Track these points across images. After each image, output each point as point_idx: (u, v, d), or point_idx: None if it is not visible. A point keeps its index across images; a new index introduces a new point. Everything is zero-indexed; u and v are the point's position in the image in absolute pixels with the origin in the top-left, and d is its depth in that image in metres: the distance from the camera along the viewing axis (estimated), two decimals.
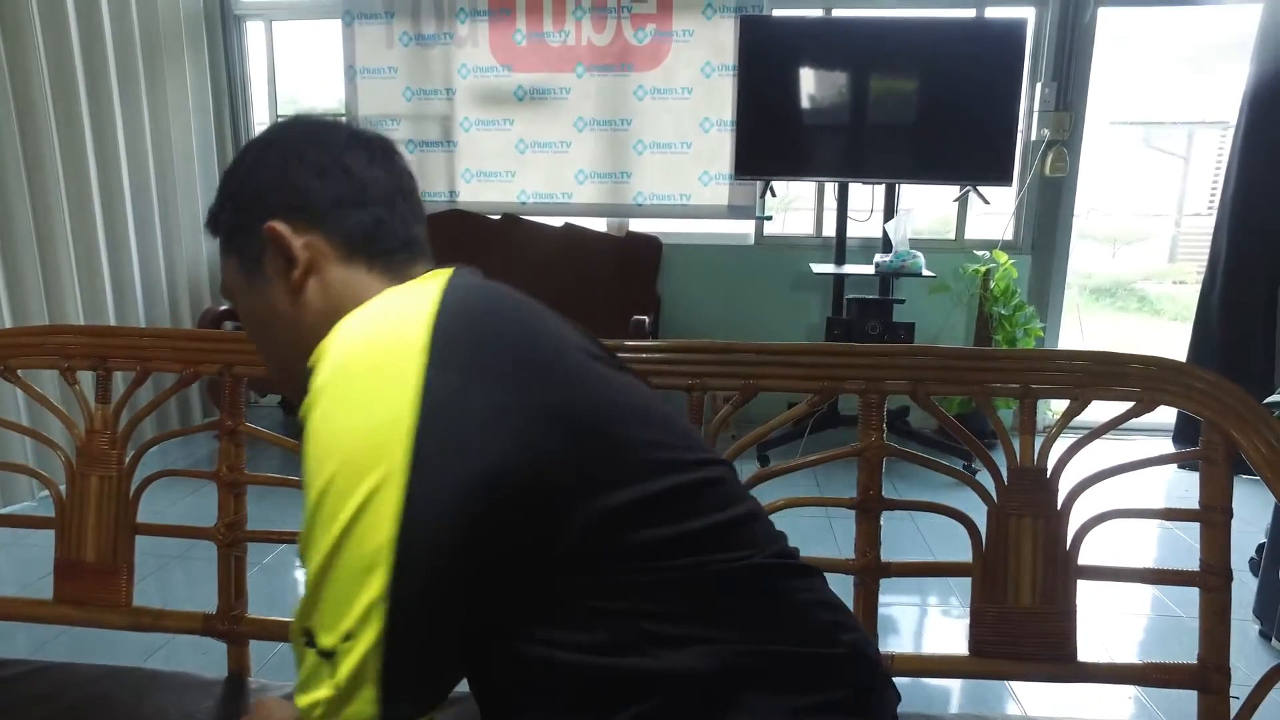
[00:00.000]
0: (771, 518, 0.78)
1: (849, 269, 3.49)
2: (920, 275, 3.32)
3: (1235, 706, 1.06)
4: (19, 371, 1.29)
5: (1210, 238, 3.42)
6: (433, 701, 0.62)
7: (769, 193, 3.60)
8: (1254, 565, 2.30)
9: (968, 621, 1.13)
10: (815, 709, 0.67)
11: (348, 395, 0.59)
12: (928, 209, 4.31)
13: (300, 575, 2.18)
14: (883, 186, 3.48)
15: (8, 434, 2.66)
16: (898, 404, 3.38)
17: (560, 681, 0.64)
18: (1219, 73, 7.10)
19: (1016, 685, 1.88)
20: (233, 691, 1.17)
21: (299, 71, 4.61)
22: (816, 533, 2.67)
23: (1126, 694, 1.89)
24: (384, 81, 3.80)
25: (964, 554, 1.15)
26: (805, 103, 3.38)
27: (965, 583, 1.12)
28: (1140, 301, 7.47)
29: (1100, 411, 1.11)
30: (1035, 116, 3.56)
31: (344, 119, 0.80)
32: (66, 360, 1.27)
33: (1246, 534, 1.98)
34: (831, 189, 3.61)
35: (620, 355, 1.15)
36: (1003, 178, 3.25)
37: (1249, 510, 1.19)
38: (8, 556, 2.50)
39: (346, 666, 0.57)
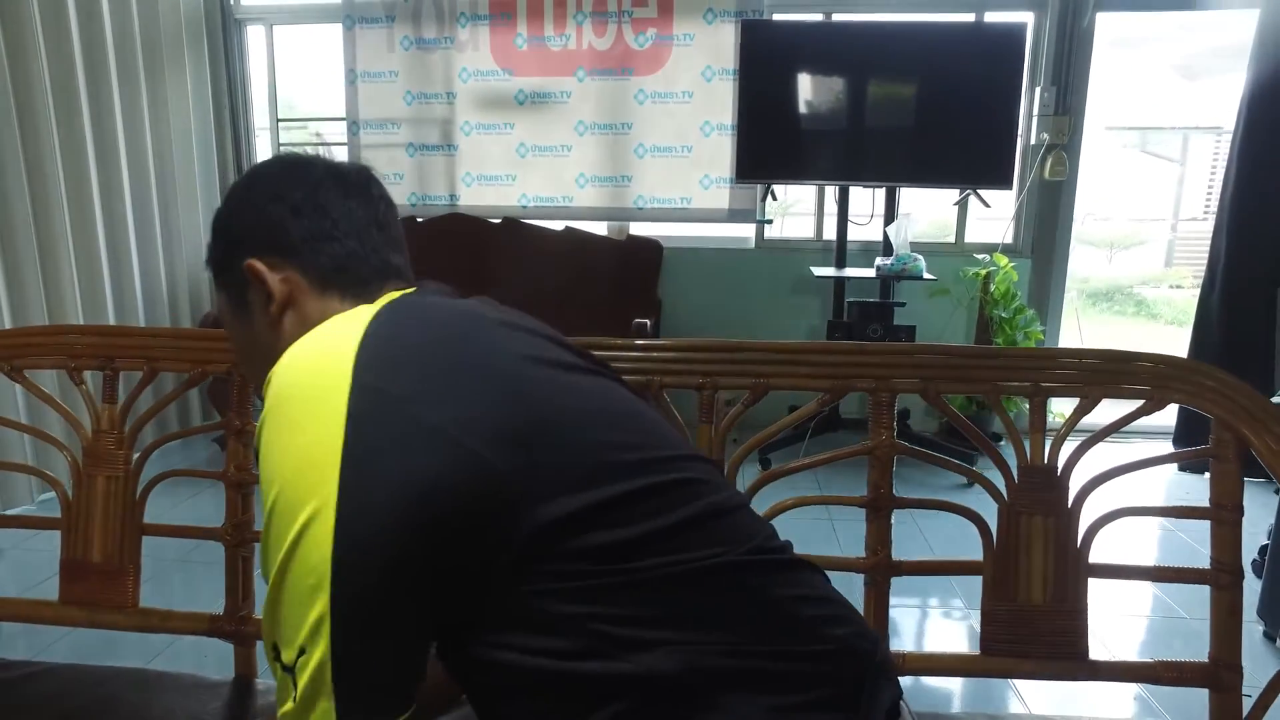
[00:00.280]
0: (777, 519, 0.77)
1: (850, 272, 3.49)
2: (921, 278, 3.32)
3: (1247, 705, 1.06)
4: (25, 372, 1.29)
5: (1208, 241, 3.43)
6: (395, 708, 0.63)
7: (769, 196, 3.60)
8: (1257, 567, 2.30)
9: (975, 621, 1.13)
10: (797, 707, 0.66)
11: (285, 421, 0.63)
12: (928, 212, 4.32)
13: None
14: (883, 190, 3.49)
15: (7, 436, 2.66)
16: (897, 406, 3.37)
17: (532, 684, 0.65)
18: (1214, 78, 7.13)
19: (1021, 684, 1.87)
20: (240, 693, 1.17)
21: (299, 75, 4.62)
22: (818, 534, 2.67)
23: (1130, 693, 1.89)
24: (384, 85, 3.80)
25: (966, 555, 1.15)
26: (805, 107, 3.39)
27: (969, 583, 1.12)
28: (1137, 305, 7.49)
29: (1105, 413, 1.11)
30: (1035, 120, 3.58)
31: (321, 154, 0.84)
32: (73, 360, 1.26)
33: (1249, 536, 1.97)
34: (832, 193, 3.61)
35: (630, 354, 1.16)
36: (1003, 181, 3.25)
37: (1251, 512, 1.20)
38: (9, 560, 2.49)
39: (303, 681, 0.59)
